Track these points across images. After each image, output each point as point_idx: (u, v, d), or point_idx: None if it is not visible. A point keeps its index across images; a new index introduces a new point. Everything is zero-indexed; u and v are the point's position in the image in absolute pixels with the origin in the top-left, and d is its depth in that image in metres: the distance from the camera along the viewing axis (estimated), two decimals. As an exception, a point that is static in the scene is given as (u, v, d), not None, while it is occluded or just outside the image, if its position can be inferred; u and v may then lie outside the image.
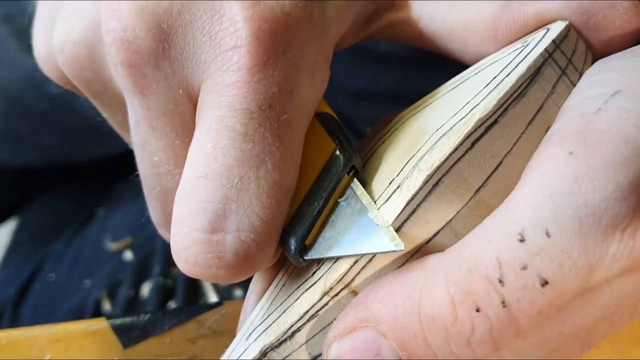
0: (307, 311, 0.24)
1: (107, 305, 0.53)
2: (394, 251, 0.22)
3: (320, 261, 0.25)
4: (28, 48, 0.53)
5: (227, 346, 0.29)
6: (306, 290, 0.25)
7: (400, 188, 0.23)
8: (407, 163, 0.24)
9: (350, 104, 0.48)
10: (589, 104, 0.23)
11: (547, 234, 0.21)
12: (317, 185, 0.25)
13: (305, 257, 0.25)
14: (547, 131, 0.24)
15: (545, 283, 0.21)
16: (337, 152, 0.26)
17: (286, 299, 0.26)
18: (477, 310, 0.21)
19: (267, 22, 0.24)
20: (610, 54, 0.26)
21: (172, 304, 0.52)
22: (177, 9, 0.24)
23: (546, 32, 0.26)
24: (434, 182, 0.23)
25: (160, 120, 0.25)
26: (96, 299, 0.54)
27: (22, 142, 0.62)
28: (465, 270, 0.21)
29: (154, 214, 0.29)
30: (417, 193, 0.23)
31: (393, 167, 0.25)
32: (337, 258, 0.24)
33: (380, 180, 0.25)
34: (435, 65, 0.38)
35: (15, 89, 0.58)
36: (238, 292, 0.52)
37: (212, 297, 0.52)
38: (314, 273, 0.25)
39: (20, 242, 0.65)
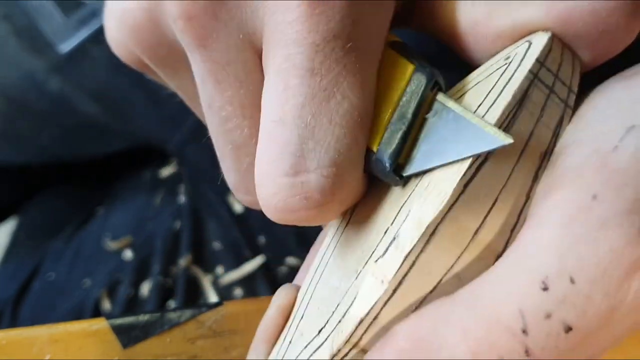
0: None
1: (106, 304, 0.53)
2: (504, 145, 0.22)
3: (327, 319, 0.25)
4: (28, 47, 0.53)
5: (227, 346, 0.29)
6: (314, 351, 0.25)
7: (396, 240, 0.23)
8: (400, 210, 0.24)
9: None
10: (604, 140, 0.22)
11: (572, 281, 0.21)
12: (403, 106, 0.25)
13: (404, 174, 0.25)
14: (540, 158, 0.23)
15: (569, 329, 0.21)
16: (418, 72, 0.25)
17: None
18: None
19: None
20: (599, 61, 0.25)
21: (171, 303, 0.52)
22: None
23: (528, 48, 0.24)
24: (430, 232, 0.22)
25: (224, 71, 0.25)
26: (96, 298, 0.54)
27: (21, 141, 0.62)
28: (485, 324, 0.21)
29: (229, 176, 0.29)
30: (414, 247, 0.22)
31: (387, 214, 0.25)
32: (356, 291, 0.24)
33: (375, 230, 0.25)
34: (439, 62, 0.37)
35: (15, 88, 0.58)
36: (238, 292, 0.52)
37: (212, 296, 0.52)
38: (320, 331, 0.25)
39: (20, 241, 0.65)
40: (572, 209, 0.21)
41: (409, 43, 0.27)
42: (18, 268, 0.61)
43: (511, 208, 0.23)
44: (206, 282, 0.53)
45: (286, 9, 0.24)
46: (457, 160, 0.23)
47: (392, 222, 0.24)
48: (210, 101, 0.26)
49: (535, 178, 0.23)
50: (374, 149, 0.25)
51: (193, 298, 0.53)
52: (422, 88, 0.25)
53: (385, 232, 0.24)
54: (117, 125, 0.59)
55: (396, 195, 0.25)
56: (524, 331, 0.21)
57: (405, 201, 0.24)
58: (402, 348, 0.22)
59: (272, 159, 0.24)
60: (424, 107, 0.25)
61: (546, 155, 0.24)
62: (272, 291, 0.52)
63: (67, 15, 0.53)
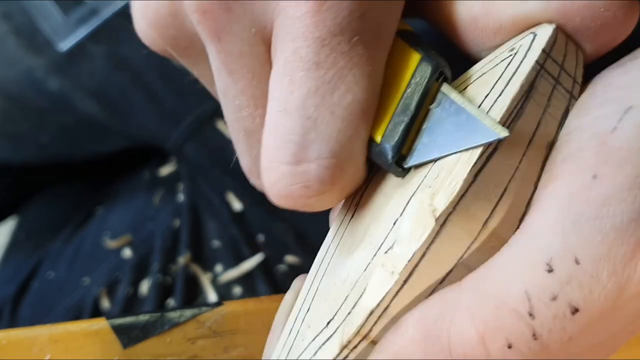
0: None
1: (105, 303, 0.53)
2: (499, 139, 0.22)
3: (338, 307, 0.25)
4: (27, 45, 0.53)
5: (227, 346, 0.29)
6: (323, 344, 0.25)
7: (407, 232, 0.23)
8: (409, 200, 0.24)
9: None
10: (603, 123, 0.22)
11: (576, 262, 0.21)
12: (407, 96, 0.25)
13: (405, 165, 0.25)
14: (547, 148, 0.23)
15: (575, 311, 0.21)
16: (423, 62, 0.25)
17: (304, 352, 0.26)
18: (509, 347, 0.21)
19: None
20: (600, 53, 0.25)
21: (171, 302, 0.52)
22: None
23: (533, 39, 0.25)
24: (441, 222, 0.22)
25: (237, 63, 0.26)
26: (95, 296, 0.54)
27: (20, 139, 0.62)
28: (492, 307, 0.21)
29: (242, 160, 0.30)
30: (425, 238, 0.22)
31: (395, 204, 0.25)
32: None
33: (383, 221, 0.25)
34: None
35: (14, 87, 0.58)
36: (237, 290, 0.52)
37: (211, 295, 0.52)
38: (328, 323, 0.25)
39: (19, 241, 0.65)
40: (573, 189, 0.22)
41: (422, 32, 0.27)
42: (18, 267, 0.61)
43: (520, 198, 0.23)
44: (205, 280, 0.53)
45: (296, 4, 0.24)
46: (462, 151, 0.23)
47: (402, 213, 0.24)
48: (225, 90, 0.27)
49: (542, 168, 0.23)
50: (378, 139, 0.25)
51: (192, 296, 0.53)
52: (427, 79, 0.25)
53: (395, 223, 0.24)
54: (116, 124, 0.59)
55: (405, 185, 0.25)
56: (531, 314, 0.21)
57: (415, 192, 0.24)
58: (412, 337, 0.22)
59: (275, 147, 0.25)
60: (428, 97, 0.25)
61: (552, 146, 0.24)
62: (271, 289, 0.52)
63: (66, 14, 0.53)
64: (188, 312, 0.35)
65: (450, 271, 0.22)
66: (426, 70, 0.25)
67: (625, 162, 0.21)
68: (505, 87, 0.23)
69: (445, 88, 0.25)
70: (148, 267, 0.55)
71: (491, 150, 0.22)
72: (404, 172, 0.25)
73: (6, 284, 0.59)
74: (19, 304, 0.56)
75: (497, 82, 0.24)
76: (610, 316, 0.21)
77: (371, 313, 0.23)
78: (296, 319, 0.28)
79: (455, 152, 0.23)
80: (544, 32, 0.25)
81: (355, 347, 0.24)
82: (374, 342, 0.23)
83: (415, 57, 0.26)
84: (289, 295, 0.30)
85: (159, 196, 0.60)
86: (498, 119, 0.23)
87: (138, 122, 0.58)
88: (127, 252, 0.56)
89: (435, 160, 0.24)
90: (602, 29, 0.25)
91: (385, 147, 0.25)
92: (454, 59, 0.29)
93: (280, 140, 0.25)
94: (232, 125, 0.29)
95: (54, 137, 0.61)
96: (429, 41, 0.27)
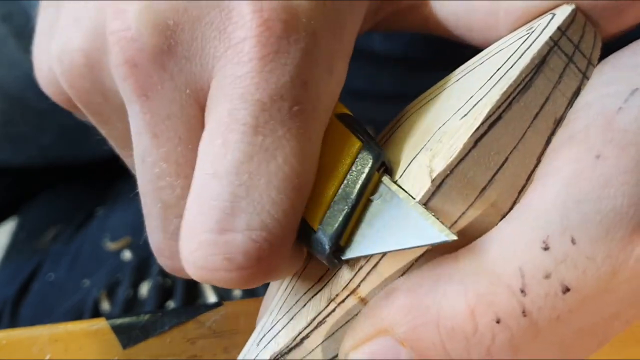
0: (314, 318, 0.24)
1: (106, 305, 0.53)
2: (446, 242, 0.21)
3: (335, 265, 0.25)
4: (27, 47, 0.53)
5: (227, 346, 0.29)
6: (313, 296, 0.25)
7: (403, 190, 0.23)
8: (410, 163, 0.24)
9: (345, 105, 0.48)
10: (609, 103, 0.22)
11: (573, 241, 0.21)
12: (347, 185, 0.24)
13: (343, 257, 0.24)
14: (554, 123, 0.23)
15: (567, 290, 0.21)
16: (365, 150, 0.25)
17: (294, 305, 0.26)
18: (498, 322, 0.21)
19: (277, 12, 0.23)
20: (618, 30, 0.25)
21: (171, 304, 0.52)
22: (184, 6, 0.24)
23: (552, 18, 0.25)
24: (437, 184, 0.22)
25: (163, 125, 0.24)
26: (95, 298, 0.54)
27: (21, 141, 0.62)
28: (485, 281, 0.21)
29: (153, 236, 0.28)
30: (420, 198, 0.22)
31: (397, 169, 0.25)
32: (367, 258, 0.24)
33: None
34: (430, 64, 0.38)
35: (15, 88, 0.58)
36: (237, 292, 0.52)
37: (211, 297, 0.52)
38: (320, 278, 0.25)
39: (20, 242, 0.65)
40: (576, 168, 0.22)
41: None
42: (18, 268, 0.61)
43: (521, 169, 0.23)
44: (205, 282, 0.53)
45: (237, 63, 0.23)
46: (403, 250, 0.23)
47: (401, 175, 0.24)
48: (144, 155, 0.25)
49: (548, 142, 0.23)
50: (315, 227, 0.24)
51: (192, 298, 0.53)
52: (369, 168, 0.24)
53: (395, 183, 0.24)
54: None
55: (406, 151, 0.25)
56: (522, 291, 0.21)
57: (417, 154, 0.24)
58: (402, 304, 0.22)
59: (198, 213, 0.23)
60: (369, 188, 0.24)
61: (560, 122, 0.24)
62: (272, 291, 0.52)
63: (66, 16, 0.53)
64: (188, 312, 0.35)
65: None
66: (368, 158, 0.24)
67: (629, 145, 0.21)
68: (517, 60, 0.24)
69: (386, 180, 0.24)
70: (148, 269, 0.55)
71: (495, 118, 0.22)
72: (339, 263, 0.24)
73: (6, 285, 0.59)
74: (19, 306, 0.56)
75: (511, 55, 0.24)
76: (601, 298, 0.21)
77: (360, 268, 0.23)
78: (292, 277, 0.28)
79: (396, 250, 0.23)
80: (563, 12, 0.25)
81: (342, 301, 0.24)
82: (363, 301, 0.23)
83: (355, 144, 0.25)
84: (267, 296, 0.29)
85: (159, 198, 0.60)
86: (505, 89, 0.23)
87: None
88: (127, 254, 0.56)
89: (377, 254, 0.23)
90: (624, 5, 0.24)
91: (322, 235, 0.24)
92: (439, 69, 0.29)
93: (205, 206, 0.23)
94: (147, 197, 0.26)
95: (54, 138, 0.61)
96: (364, 128, 0.26)
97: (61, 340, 0.34)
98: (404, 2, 0.29)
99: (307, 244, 0.24)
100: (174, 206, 0.25)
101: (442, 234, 0.21)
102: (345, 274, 0.24)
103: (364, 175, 0.24)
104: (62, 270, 0.58)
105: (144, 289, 0.53)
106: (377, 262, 0.23)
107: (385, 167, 0.25)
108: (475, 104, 0.23)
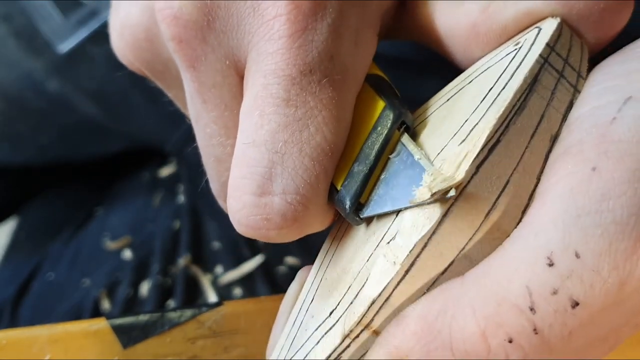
0: (329, 355, 0.24)
1: (106, 305, 0.53)
2: (452, 196, 0.22)
3: (339, 299, 0.25)
4: (27, 47, 0.53)
5: (227, 346, 0.29)
6: (326, 333, 0.25)
7: (409, 223, 0.23)
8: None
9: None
10: (602, 114, 0.22)
11: (577, 256, 0.21)
12: (368, 144, 0.25)
13: (362, 216, 0.25)
14: (551, 140, 0.23)
15: (576, 305, 0.21)
16: (386, 109, 0.26)
17: (306, 341, 0.26)
18: (510, 341, 0.21)
19: None
20: (604, 42, 0.26)
21: (171, 303, 0.52)
22: None
23: (538, 33, 0.25)
24: (443, 214, 0.22)
25: (210, 93, 0.27)
26: (95, 298, 0.54)
27: (20, 141, 0.62)
28: (493, 302, 0.21)
29: (212, 184, 0.31)
30: (426, 229, 0.22)
31: None
32: (360, 288, 0.24)
33: (387, 214, 0.25)
34: (423, 70, 0.38)
35: (14, 88, 0.58)
36: (237, 292, 0.52)
37: (211, 296, 0.52)
38: (331, 313, 0.25)
39: (19, 242, 0.65)
40: (572, 182, 0.22)
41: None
42: (17, 268, 0.61)
43: (522, 190, 0.23)
44: (205, 281, 0.53)
45: (268, 40, 0.25)
46: (413, 207, 0.23)
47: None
48: (197, 117, 0.28)
49: (546, 160, 0.23)
50: (338, 186, 0.26)
51: (192, 298, 0.53)
52: (388, 128, 0.25)
53: (398, 214, 0.24)
54: (116, 125, 0.59)
55: None
56: (532, 309, 0.21)
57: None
58: (413, 331, 0.22)
59: (242, 176, 0.25)
60: (389, 146, 0.25)
61: (556, 138, 0.24)
62: (272, 291, 0.52)
63: (65, 16, 0.53)
64: (188, 312, 0.35)
65: (452, 263, 0.23)
66: (388, 118, 0.25)
67: (624, 155, 0.21)
68: (509, 80, 0.24)
69: (405, 139, 0.25)
70: (148, 268, 0.55)
71: (494, 142, 0.23)
72: (361, 221, 0.26)
73: (6, 285, 0.59)
74: (19, 306, 0.56)
75: (501, 75, 0.24)
76: (611, 310, 0.21)
77: (373, 303, 0.23)
78: (300, 309, 0.28)
79: (407, 208, 0.23)
80: (549, 27, 0.25)
81: (357, 336, 0.24)
82: (376, 333, 0.24)
83: (379, 105, 0.26)
84: (293, 285, 0.30)
85: (159, 197, 0.60)
86: (501, 112, 0.23)
87: (138, 124, 0.58)
88: (127, 254, 0.56)
89: (396, 212, 0.24)
90: (604, 13, 0.25)
91: (344, 195, 0.25)
92: (429, 75, 0.29)
93: (246, 171, 0.25)
94: (203, 151, 0.29)
95: (54, 138, 0.61)
96: (393, 87, 0.27)
97: (61, 340, 0.34)
98: (407, 11, 0.30)
99: (333, 202, 0.26)
100: (224, 161, 0.28)
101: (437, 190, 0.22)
102: (357, 309, 0.24)
103: (383, 136, 0.25)
104: (62, 270, 0.58)
105: (144, 288, 0.53)
106: (390, 295, 0.23)
107: (406, 126, 0.26)
108: (472, 129, 0.23)
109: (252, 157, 0.25)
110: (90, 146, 0.63)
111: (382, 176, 0.25)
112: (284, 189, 0.25)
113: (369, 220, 0.26)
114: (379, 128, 0.26)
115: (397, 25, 0.30)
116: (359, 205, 0.25)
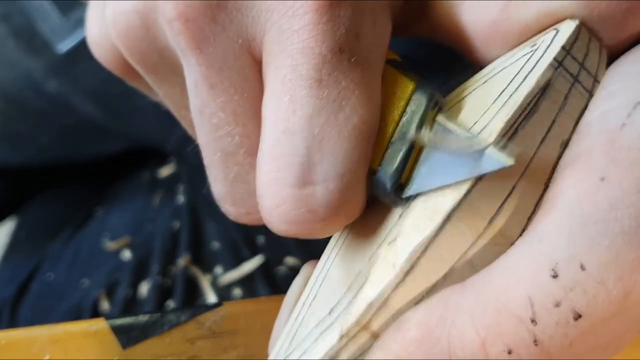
0: (326, 353, 0.24)
1: (105, 305, 0.53)
2: (504, 167, 0.21)
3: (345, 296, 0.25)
4: (26, 47, 0.53)
5: (226, 347, 0.29)
6: (324, 331, 0.25)
7: (410, 225, 0.23)
8: (417, 195, 0.24)
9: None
10: (612, 119, 0.22)
11: (582, 267, 0.20)
12: (404, 125, 0.25)
13: (404, 195, 0.25)
14: (561, 146, 0.23)
15: (578, 317, 0.20)
16: (418, 91, 0.25)
17: (306, 337, 0.26)
18: (509, 352, 0.21)
19: None
20: (624, 43, 0.25)
21: (170, 304, 0.52)
22: None
23: (555, 35, 0.24)
24: (445, 217, 0.22)
25: (218, 76, 0.25)
26: (94, 298, 0.53)
27: (20, 141, 0.62)
28: (493, 310, 0.21)
29: (215, 186, 0.28)
30: (427, 232, 0.22)
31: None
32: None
33: (391, 213, 0.25)
34: (431, 68, 0.37)
35: (14, 88, 0.58)
36: (237, 292, 0.52)
37: (211, 297, 0.52)
38: (331, 311, 0.25)
39: (19, 242, 0.65)
40: (580, 191, 0.21)
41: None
42: (17, 268, 0.61)
43: (528, 197, 0.23)
44: (205, 282, 0.53)
45: (292, 16, 0.23)
46: (463, 180, 0.23)
47: (409, 206, 0.24)
48: (202, 107, 0.26)
49: (555, 167, 0.23)
50: (374, 167, 0.25)
51: (192, 298, 0.53)
52: (423, 108, 0.25)
53: (400, 216, 0.24)
54: (115, 125, 0.59)
55: None
56: (533, 320, 0.21)
57: None
58: (412, 337, 0.22)
59: (277, 170, 0.23)
60: (425, 126, 0.25)
61: (567, 145, 0.23)
62: (272, 291, 0.52)
63: (65, 15, 0.53)
64: (188, 313, 0.35)
65: (453, 268, 0.22)
66: (422, 98, 0.25)
67: (634, 163, 0.21)
68: (521, 83, 0.23)
69: (441, 118, 0.25)
70: (147, 268, 0.55)
71: (500, 147, 0.22)
72: (402, 201, 0.25)
73: (5, 286, 0.59)
74: (18, 306, 0.56)
75: (515, 76, 0.24)
76: (614, 320, 0.21)
77: (370, 304, 0.23)
78: (303, 305, 0.28)
79: (458, 182, 0.23)
80: (566, 29, 0.24)
81: (354, 336, 0.24)
82: (375, 335, 0.23)
83: (408, 85, 0.26)
84: (297, 280, 0.29)
85: (158, 197, 0.60)
86: (510, 115, 0.22)
87: (137, 124, 0.57)
88: (127, 254, 0.56)
89: (437, 189, 0.24)
90: (627, 14, 0.24)
91: (383, 175, 0.25)
92: (433, 72, 0.29)
93: (282, 162, 0.23)
94: (207, 147, 0.27)
95: (53, 138, 0.61)
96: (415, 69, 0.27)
97: (60, 341, 0.34)
98: (424, 9, 0.29)
99: (369, 185, 0.25)
100: (233, 154, 0.26)
101: (499, 161, 0.21)
102: (355, 309, 0.23)
103: (419, 115, 0.25)
104: (62, 270, 0.58)
105: (144, 288, 0.53)
106: (388, 297, 0.23)
107: (439, 106, 0.25)
108: (480, 132, 0.23)
109: (286, 146, 0.23)
110: (90, 146, 0.63)
111: (422, 155, 0.25)
112: (325, 177, 0.23)
113: (375, 218, 0.26)
114: (414, 108, 0.25)
115: (411, 21, 0.29)
116: (399, 185, 0.25)
